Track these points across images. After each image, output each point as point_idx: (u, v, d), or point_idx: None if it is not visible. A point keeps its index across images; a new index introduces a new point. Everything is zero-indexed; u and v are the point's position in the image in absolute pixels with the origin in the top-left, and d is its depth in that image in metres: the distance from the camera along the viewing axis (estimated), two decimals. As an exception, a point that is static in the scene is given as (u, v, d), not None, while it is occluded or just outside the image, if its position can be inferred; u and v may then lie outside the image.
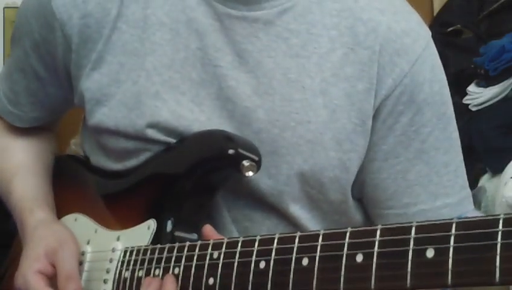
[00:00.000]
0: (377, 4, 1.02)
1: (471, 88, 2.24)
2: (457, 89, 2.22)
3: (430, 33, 1.05)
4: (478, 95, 2.20)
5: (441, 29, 2.40)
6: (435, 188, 1.03)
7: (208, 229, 0.92)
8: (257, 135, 0.99)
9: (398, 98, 1.00)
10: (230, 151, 0.96)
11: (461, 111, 2.18)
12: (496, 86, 2.17)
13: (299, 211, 1.02)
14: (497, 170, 2.04)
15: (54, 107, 1.19)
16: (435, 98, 1.03)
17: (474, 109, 2.20)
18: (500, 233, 0.61)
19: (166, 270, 0.92)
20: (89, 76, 1.04)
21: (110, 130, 1.04)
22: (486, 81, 2.20)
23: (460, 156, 1.07)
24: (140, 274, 0.96)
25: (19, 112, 1.19)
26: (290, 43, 0.99)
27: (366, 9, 1.01)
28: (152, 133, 1.01)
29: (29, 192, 1.14)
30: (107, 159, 1.08)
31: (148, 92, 1.01)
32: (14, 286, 1.02)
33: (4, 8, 2.25)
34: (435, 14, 2.53)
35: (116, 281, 1.00)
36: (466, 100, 2.23)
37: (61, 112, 1.24)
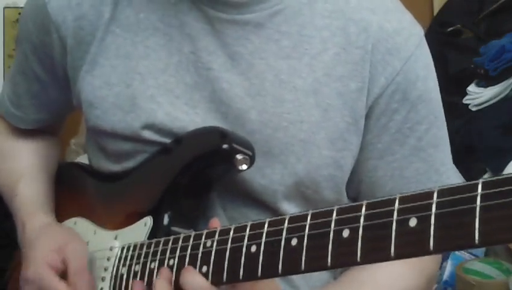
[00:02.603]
0: (368, 4, 1.02)
1: (471, 88, 2.24)
2: (457, 89, 2.22)
3: (422, 32, 1.06)
4: (478, 95, 2.20)
5: (441, 29, 2.41)
6: (434, 186, 1.03)
7: (215, 222, 0.92)
8: (250, 135, 0.99)
9: (391, 96, 1.00)
10: (224, 146, 0.97)
11: (461, 111, 2.18)
12: (496, 86, 2.17)
13: (293, 211, 1.02)
14: (497, 170, 2.04)
15: (55, 108, 1.21)
16: (431, 95, 1.04)
17: (474, 109, 2.20)
18: (479, 196, 0.62)
19: (161, 263, 0.92)
20: (84, 78, 1.06)
21: (107, 132, 1.05)
22: (486, 81, 2.20)
23: (451, 155, 1.09)
24: (136, 269, 0.96)
25: (21, 114, 1.21)
26: (281, 44, 1.00)
27: (357, 9, 1.01)
28: (148, 134, 1.02)
29: (34, 197, 1.16)
30: (107, 160, 1.09)
31: (143, 95, 1.02)
32: (22, 278, 1.04)
33: (4, 8, 2.27)
34: (435, 14, 2.53)
35: (113, 278, 1.01)
36: (466, 100, 2.23)
37: (64, 113, 1.26)
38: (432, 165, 1.04)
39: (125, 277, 0.98)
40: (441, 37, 2.38)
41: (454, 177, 1.06)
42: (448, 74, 2.26)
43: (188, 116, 1.01)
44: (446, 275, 1.90)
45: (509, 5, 2.32)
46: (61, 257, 1.01)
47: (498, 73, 2.15)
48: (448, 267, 1.90)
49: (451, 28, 2.40)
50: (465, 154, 2.06)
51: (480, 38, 2.34)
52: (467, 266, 1.81)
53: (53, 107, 1.20)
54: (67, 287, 0.98)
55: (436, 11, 2.54)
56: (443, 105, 1.08)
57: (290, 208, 1.03)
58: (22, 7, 2.21)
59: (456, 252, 1.89)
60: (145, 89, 1.02)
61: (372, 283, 1.00)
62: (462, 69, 2.28)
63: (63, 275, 1.00)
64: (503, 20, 2.32)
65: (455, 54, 2.33)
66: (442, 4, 2.51)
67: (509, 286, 1.69)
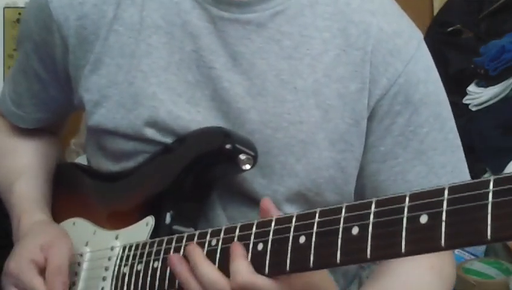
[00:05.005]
0: (368, 6, 1.03)
1: (471, 88, 2.24)
2: (457, 89, 2.22)
3: (421, 35, 1.07)
4: (478, 95, 2.20)
5: (441, 29, 2.41)
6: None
7: (267, 202, 0.88)
8: (250, 135, 1.00)
9: (394, 97, 1.01)
10: (228, 146, 0.97)
11: (461, 111, 2.18)
12: (496, 86, 2.17)
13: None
14: (497, 169, 2.04)
15: (56, 108, 1.20)
16: (431, 98, 1.04)
17: (474, 109, 2.20)
18: (491, 193, 0.62)
19: (165, 262, 0.92)
20: (88, 78, 1.05)
21: (109, 131, 1.05)
22: (486, 81, 2.20)
23: (458, 156, 1.08)
24: (139, 268, 0.96)
25: (22, 113, 1.21)
26: (282, 45, 1.00)
27: (358, 11, 1.02)
28: (150, 133, 1.02)
29: (32, 195, 1.16)
30: (106, 160, 1.09)
31: (145, 93, 1.02)
32: (4, 271, 1.04)
33: (4, 8, 2.26)
34: (435, 14, 2.53)
35: (114, 277, 1.01)
36: (466, 100, 2.23)
37: (64, 113, 1.25)
38: (431, 168, 1.04)
39: (127, 276, 0.98)
40: (441, 37, 2.38)
41: (454, 181, 1.05)
42: (448, 74, 2.25)
43: (190, 114, 1.01)
44: (446, 275, 1.89)
45: (509, 5, 2.32)
46: (44, 255, 1.01)
47: (498, 73, 2.15)
48: (448, 267, 1.90)
49: (451, 28, 2.40)
50: (465, 154, 2.06)
51: (480, 38, 2.34)
52: (467, 266, 1.82)
53: (53, 106, 1.20)
54: (43, 284, 0.99)
55: (436, 11, 2.54)
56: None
57: (290, 210, 1.02)
58: (22, 7, 2.21)
59: (456, 252, 1.89)
60: (147, 87, 1.02)
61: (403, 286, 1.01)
62: (462, 69, 2.28)
63: (44, 270, 1.01)
64: (503, 20, 2.32)
65: (455, 54, 2.33)
66: (442, 4, 2.51)
67: (510, 286, 1.69)
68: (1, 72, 2.28)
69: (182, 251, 0.90)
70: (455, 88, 2.22)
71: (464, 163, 1.09)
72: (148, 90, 1.02)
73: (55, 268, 1.00)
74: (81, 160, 1.76)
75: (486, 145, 2.10)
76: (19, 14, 2.21)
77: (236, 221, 1.02)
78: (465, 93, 2.24)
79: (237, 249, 0.83)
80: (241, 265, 0.82)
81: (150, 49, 1.03)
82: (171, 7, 1.02)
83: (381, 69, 1.00)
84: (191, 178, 1.01)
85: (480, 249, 1.94)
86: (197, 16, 1.01)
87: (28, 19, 1.13)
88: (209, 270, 0.85)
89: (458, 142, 1.08)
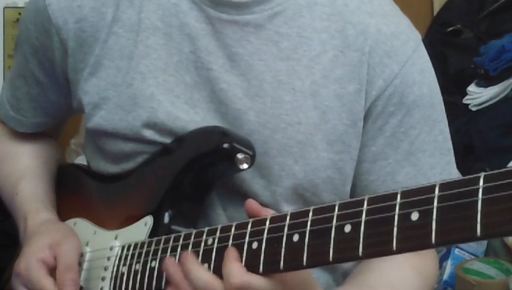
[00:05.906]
0: (366, 7, 1.03)
1: (471, 88, 2.23)
2: (457, 89, 2.22)
3: (420, 36, 1.07)
4: (478, 95, 2.19)
5: (441, 29, 2.41)
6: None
7: (252, 203, 0.89)
8: (248, 136, 1.00)
9: (389, 98, 1.01)
10: (225, 145, 0.97)
11: (461, 111, 2.18)
12: (496, 86, 2.16)
13: None
14: (497, 169, 2.03)
15: (55, 112, 1.20)
16: (424, 100, 1.04)
17: (474, 109, 2.20)
18: (481, 189, 0.63)
19: (162, 262, 0.92)
20: (87, 80, 1.05)
21: (108, 133, 1.05)
22: (486, 81, 2.20)
23: (447, 159, 1.08)
24: (137, 268, 0.97)
25: (21, 118, 1.21)
26: (280, 46, 1.01)
27: (356, 12, 1.02)
28: (149, 134, 1.02)
29: (36, 194, 1.16)
30: (106, 162, 1.09)
31: (143, 94, 1.02)
32: (14, 271, 1.04)
33: (4, 8, 2.26)
34: (435, 14, 2.53)
35: (113, 277, 1.01)
36: (466, 100, 2.22)
37: (63, 117, 1.25)
38: (420, 169, 1.05)
39: (125, 276, 0.99)
40: (441, 37, 2.38)
41: None
42: (448, 74, 2.26)
43: (188, 115, 1.01)
44: (446, 275, 1.90)
45: (509, 5, 2.32)
46: (53, 254, 1.01)
47: (498, 73, 2.15)
48: (448, 267, 1.90)
49: (451, 28, 2.40)
50: (465, 154, 2.06)
51: (480, 38, 2.34)
52: (467, 266, 1.81)
53: (52, 110, 1.20)
54: (54, 284, 0.99)
55: (436, 11, 2.53)
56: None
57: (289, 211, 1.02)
58: (22, 7, 2.21)
59: (456, 252, 1.89)
60: (145, 88, 1.02)
61: (381, 286, 1.00)
62: (462, 69, 2.28)
63: (54, 270, 1.00)
64: (503, 20, 2.32)
65: (455, 54, 2.33)
66: (442, 4, 2.51)
67: (509, 286, 1.69)
68: (1, 72, 2.28)
69: (179, 249, 0.91)
70: (455, 88, 2.22)
71: (454, 166, 1.09)
72: (147, 91, 1.02)
73: (65, 267, 0.99)
74: (81, 160, 1.76)
75: (486, 145, 2.10)
76: (19, 14, 2.21)
77: (237, 221, 1.03)
78: (465, 93, 2.24)
79: (231, 252, 0.84)
80: (234, 266, 0.82)
81: (148, 51, 1.03)
82: (169, 8, 1.03)
83: (378, 70, 1.01)
84: (189, 178, 1.01)
85: (481, 249, 1.94)
86: (195, 17, 1.02)
87: (26, 22, 1.13)
88: (202, 273, 0.85)
89: (449, 145, 1.08)
